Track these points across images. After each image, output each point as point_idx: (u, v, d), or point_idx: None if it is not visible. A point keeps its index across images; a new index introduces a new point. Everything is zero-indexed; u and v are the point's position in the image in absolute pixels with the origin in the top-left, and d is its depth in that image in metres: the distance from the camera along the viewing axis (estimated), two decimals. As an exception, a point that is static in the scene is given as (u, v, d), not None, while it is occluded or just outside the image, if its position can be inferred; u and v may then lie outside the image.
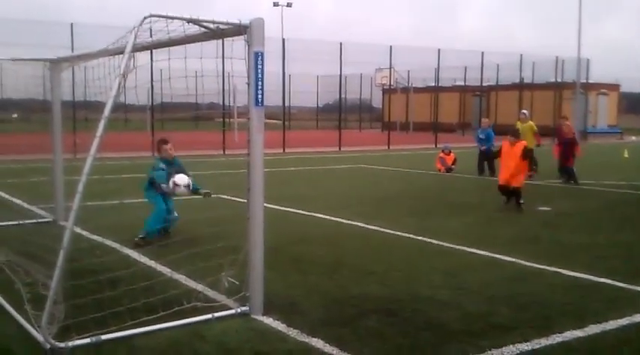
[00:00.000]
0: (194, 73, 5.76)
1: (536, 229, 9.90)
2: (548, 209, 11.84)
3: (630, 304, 5.96)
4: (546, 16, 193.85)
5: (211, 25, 5.31)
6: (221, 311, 5.51)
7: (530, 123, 17.37)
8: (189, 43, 5.76)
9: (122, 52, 5.05)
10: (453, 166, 19.56)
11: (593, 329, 5.29)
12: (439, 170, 19.61)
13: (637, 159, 25.77)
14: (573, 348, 4.90)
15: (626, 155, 26.52)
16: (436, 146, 33.44)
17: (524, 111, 18.41)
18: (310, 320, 5.44)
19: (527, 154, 11.83)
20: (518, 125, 16.86)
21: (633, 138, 47.06)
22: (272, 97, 35.96)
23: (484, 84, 42.26)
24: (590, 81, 47.09)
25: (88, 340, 4.74)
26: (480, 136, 18.20)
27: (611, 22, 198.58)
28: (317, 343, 4.90)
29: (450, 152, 19.99)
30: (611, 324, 5.41)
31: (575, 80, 43.64)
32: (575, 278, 6.90)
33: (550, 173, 17.15)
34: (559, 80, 45.30)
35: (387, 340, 5.02)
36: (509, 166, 11.73)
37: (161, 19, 5.02)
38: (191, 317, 5.33)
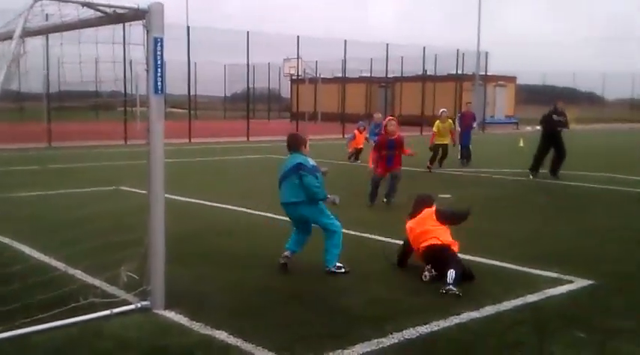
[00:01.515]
0: (94, 60, 5.51)
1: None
2: (449, 196, 12.20)
3: (525, 286, 6.22)
4: (452, 10, 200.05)
5: (107, 9, 5.10)
6: (120, 306, 5.34)
7: (450, 121, 17.64)
8: (84, 27, 5.49)
9: (11, 37, 4.76)
10: (361, 146, 19.49)
11: (488, 310, 5.51)
12: (350, 152, 19.68)
13: (532, 148, 27.03)
14: (469, 328, 5.09)
15: (521, 144, 27.80)
16: (343, 136, 33.85)
17: (444, 109, 18.17)
18: (215, 313, 5.36)
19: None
20: (439, 125, 17.08)
21: (529, 128, 49.42)
22: (180, 86, 35.18)
23: (389, 75, 43.10)
24: (489, 73, 48.98)
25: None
26: (377, 131, 16.83)
27: (511, 17, 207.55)
28: (220, 335, 4.84)
29: (365, 128, 19.90)
30: (506, 305, 5.66)
31: (475, 72, 45.46)
32: (476, 262, 7.10)
33: (450, 162, 17.79)
34: (460, 72, 46.80)
35: (292, 329, 5.03)
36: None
37: (53, 1, 4.77)
38: (89, 313, 5.13)
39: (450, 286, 5.79)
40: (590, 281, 6.40)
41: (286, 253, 6.84)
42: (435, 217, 6.68)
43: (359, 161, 19.27)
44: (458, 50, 45.39)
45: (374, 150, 11.41)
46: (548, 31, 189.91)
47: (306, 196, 6.66)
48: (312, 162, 6.87)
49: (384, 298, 5.89)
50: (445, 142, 17.31)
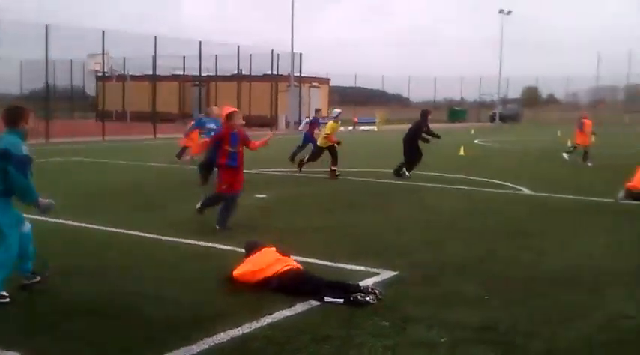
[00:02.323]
0: None
1: (252, 215, 10.15)
2: (264, 196, 12.24)
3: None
4: (269, 10, 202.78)
5: None
6: None
7: (336, 123, 16.84)
8: None
9: None
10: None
11: (300, 307, 5.55)
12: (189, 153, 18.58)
13: (348, 146, 28.09)
14: (281, 327, 5.09)
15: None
16: (155, 136, 32.83)
17: (340, 110, 17.27)
18: (7, 333, 4.85)
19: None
20: (334, 126, 16.28)
21: (342, 128, 51.50)
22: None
23: (203, 74, 42.55)
24: (304, 74, 50.29)
25: None
26: (209, 125, 15.19)
27: (326, 20, 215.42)
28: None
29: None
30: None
31: (290, 73, 46.44)
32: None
33: (279, 162, 17.90)
34: (275, 73, 47.50)
35: (93, 343, 4.69)
36: None
37: None
38: None
39: (358, 297, 5.64)
40: (394, 273, 6.71)
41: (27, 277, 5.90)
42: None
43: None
44: (272, 51, 46.08)
45: (211, 140, 9.66)
46: (360, 35, 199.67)
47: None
48: (25, 149, 5.55)
49: (194, 303, 5.71)
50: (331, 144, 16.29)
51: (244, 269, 6.22)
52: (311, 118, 21.09)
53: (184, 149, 19.20)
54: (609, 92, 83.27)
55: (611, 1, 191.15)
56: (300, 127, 21.11)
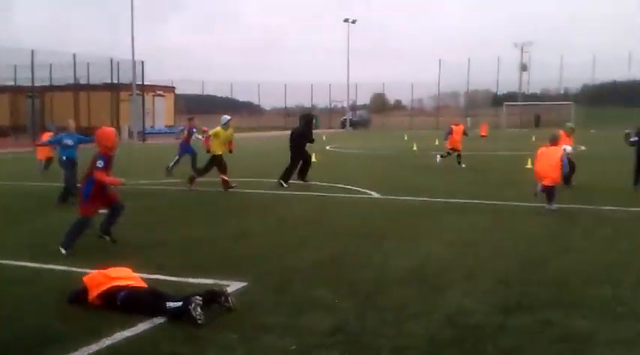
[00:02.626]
0: None
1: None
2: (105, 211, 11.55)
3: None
4: (110, 16, 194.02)
5: None
6: None
7: (232, 130, 15.51)
8: None
9: None
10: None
11: (142, 326, 5.24)
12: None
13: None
14: (122, 349, 4.79)
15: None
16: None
17: (227, 116, 15.54)
18: None
19: None
20: (219, 132, 14.86)
21: (199, 136, 50.38)
22: None
23: (38, 84, 39.88)
24: (147, 83, 48.72)
25: None
26: (66, 141, 13.02)
27: (169, 26, 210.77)
28: None
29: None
30: (161, 318, 5.42)
31: (132, 82, 44.69)
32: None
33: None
34: (116, 81, 45.67)
35: None
36: None
37: None
38: None
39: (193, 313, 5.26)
40: (244, 284, 6.55)
41: None
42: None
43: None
44: (112, 59, 44.29)
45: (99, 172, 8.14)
46: (206, 42, 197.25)
47: None
48: None
49: (27, 327, 5.23)
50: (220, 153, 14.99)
51: (96, 275, 5.93)
52: (183, 127, 20.13)
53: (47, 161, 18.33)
54: (451, 98, 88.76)
55: (452, 8, 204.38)
56: (177, 137, 20.13)
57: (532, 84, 79.60)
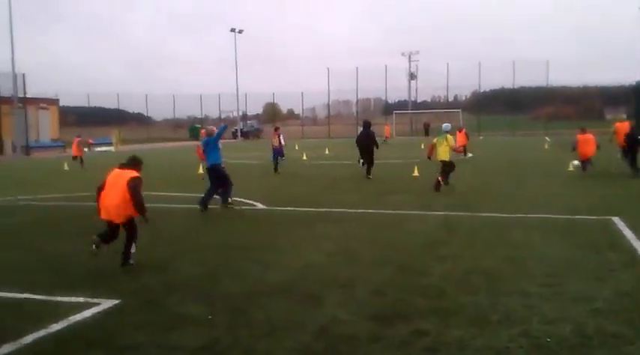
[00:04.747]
0: None
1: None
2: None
3: (50, 316, 5.91)
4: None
5: None
6: None
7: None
8: None
9: None
10: None
11: (8, 347, 5.09)
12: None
13: (76, 171, 26.63)
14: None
15: (66, 168, 27.17)
16: None
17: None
18: None
19: None
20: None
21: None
22: None
23: None
24: (29, 95, 46.80)
25: None
26: None
27: (52, 36, 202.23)
28: None
29: None
30: (27, 339, 5.31)
31: (13, 95, 42.82)
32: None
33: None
34: (-5, 95, 43.56)
35: None
36: None
37: None
38: None
39: None
40: (116, 301, 6.40)
41: None
42: None
43: None
44: (-8, 72, 42.21)
45: None
46: (90, 54, 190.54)
47: None
48: None
49: None
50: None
51: None
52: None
53: None
54: (344, 106, 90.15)
55: (340, 17, 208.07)
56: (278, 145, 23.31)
57: (422, 91, 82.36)
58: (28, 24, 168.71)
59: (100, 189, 8.05)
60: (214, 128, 13.78)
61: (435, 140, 16.57)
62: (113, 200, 7.80)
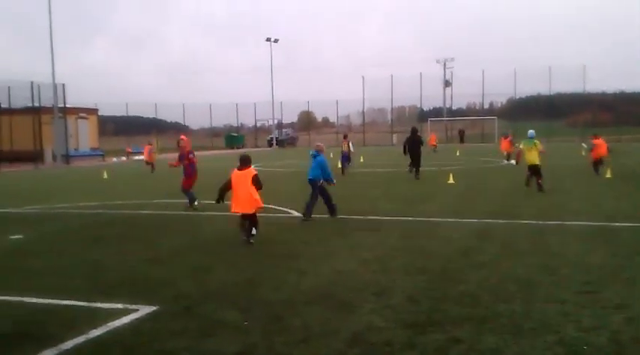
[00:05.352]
0: None
1: (4, 259, 9.35)
2: (20, 236, 11.38)
3: (89, 322, 6.03)
4: (25, 40, 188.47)
5: None
6: None
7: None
8: None
9: None
10: None
11: (48, 354, 5.19)
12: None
13: (115, 179, 27.17)
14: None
15: (105, 176, 27.74)
16: None
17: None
18: None
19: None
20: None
21: (114, 159, 49.61)
22: None
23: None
24: (69, 105, 47.79)
25: None
26: None
27: (90, 47, 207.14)
28: None
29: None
30: (68, 345, 5.41)
31: (54, 105, 43.79)
32: (32, 303, 6.75)
33: (37, 199, 16.59)
34: (37, 105, 44.52)
35: None
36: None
37: None
38: None
39: None
40: (154, 308, 6.50)
41: None
42: None
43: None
44: (32, 82, 43.22)
45: None
46: (130, 64, 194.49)
47: None
48: None
49: None
50: None
51: None
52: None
53: None
54: (379, 114, 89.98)
55: (372, 25, 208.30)
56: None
57: (457, 98, 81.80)
58: (69, 35, 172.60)
59: (225, 187, 10.43)
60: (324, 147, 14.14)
61: (521, 146, 18.21)
62: (243, 196, 10.03)
